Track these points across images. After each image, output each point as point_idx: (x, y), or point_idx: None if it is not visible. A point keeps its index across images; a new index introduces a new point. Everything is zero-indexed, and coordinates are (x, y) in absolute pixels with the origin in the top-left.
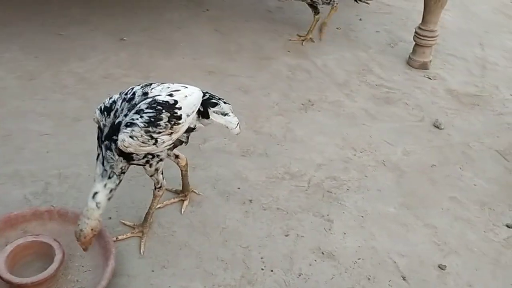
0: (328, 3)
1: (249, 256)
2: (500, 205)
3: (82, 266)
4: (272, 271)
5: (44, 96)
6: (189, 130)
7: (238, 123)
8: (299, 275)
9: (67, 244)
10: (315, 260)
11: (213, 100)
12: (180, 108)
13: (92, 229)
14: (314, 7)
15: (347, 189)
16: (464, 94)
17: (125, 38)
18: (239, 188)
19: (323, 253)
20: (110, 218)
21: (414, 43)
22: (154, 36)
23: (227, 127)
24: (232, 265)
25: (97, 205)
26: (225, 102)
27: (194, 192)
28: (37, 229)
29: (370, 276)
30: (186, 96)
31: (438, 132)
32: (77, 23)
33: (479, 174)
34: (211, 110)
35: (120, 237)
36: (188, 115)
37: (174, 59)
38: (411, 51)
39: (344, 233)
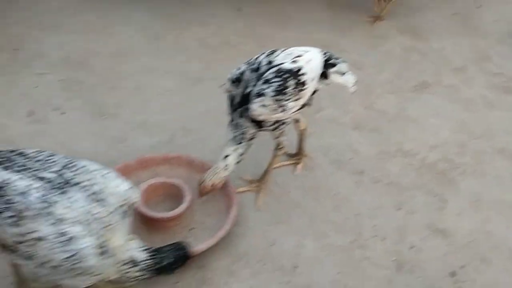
0: None
1: (361, 223)
2: None
3: (206, 210)
4: (383, 240)
5: (168, 55)
6: (313, 92)
7: (356, 81)
8: (411, 247)
9: (193, 189)
10: (428, 236)
11: (332, 61)
12: (304, 74)
13: (212, 185)
14: None
15: (462, 173)
16: None
17: (242, 9)
18: (350, 159)
19: (435, 230)
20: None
21: None
22: (269, 9)
23: (346, 86)
24: (343, 228)
25: (225, 167)
26: (343, 61)
27: (308, 156)
28: (166, 172)
29: (483, 258)
30: (309, 60)
31: None
32: None
33: None
34: (330, 71)
35: (239, 190)
36: (312, 79)
37: (288, 32)
38: None
39: (458, 214)
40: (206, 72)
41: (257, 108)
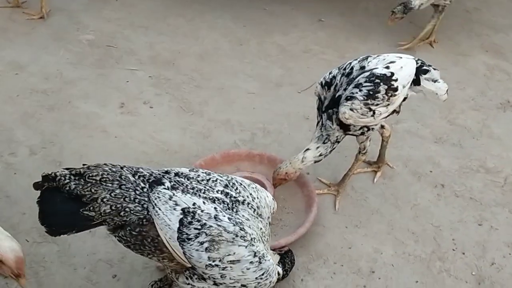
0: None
1: (440, 235)
2: None
3: (285, 208)
4: (463, 253)
5: (251, 60)
6: (403, 99)
7: (447, 89)
8: (492, 264)
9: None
10: (510, 254)
11: (424, 67)
12: (396, 80)
13: (286, 173)
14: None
15: None
16: None
17: (323, 20)
18: (431, 171)
19: None
20: (308, 173)
21: None
22: (350, 21)
23: (437, 93)
24: (423, 239)
25: (302, 159)
26: (434, 69)
27: (388, 165)
28: (248, 168)
29: None
30: (401, 67)
31: None
32: (280, 1)
33: None
34: (422, 77)
35: (317, 191)
36: (404, 86)
37: (369, 44)
38: None
39: None
40: (286, 78)
41: (346, 111)
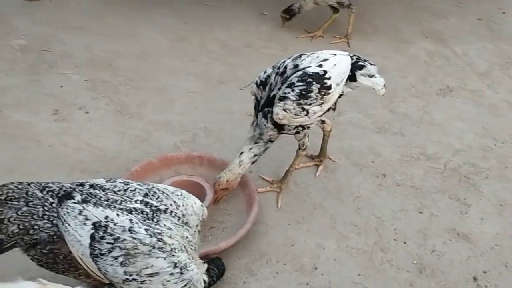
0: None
1: (382, 226)
2: None
3: (227, 210)
4: (405, 243)
5: (192, 58)
6: (338, 96)
7: (384, 84)
8: (433, 251)
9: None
10: (450, 240)
11: (360, 63)
12: (329, 78)
13: (227, 181)
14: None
15: (486, 177)
16: None
17: (265, 13)
18: (372, 162)
19: (458, 234)
20: (251, 172)
21: None
22: None
23: (374, 88)
24: (365, 231)
25: (239, 163)
26: (371, 64)
27: (330, 158)
28: (188, 171)
29: (508, 263)
30: (335, 64)
31: None
32: None
33: None
34: (358, 73)
35: (259, 190)
36: (337, 84)
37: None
38: None
39: (482, 219)
40: (228, 74)
41: (279, 111)
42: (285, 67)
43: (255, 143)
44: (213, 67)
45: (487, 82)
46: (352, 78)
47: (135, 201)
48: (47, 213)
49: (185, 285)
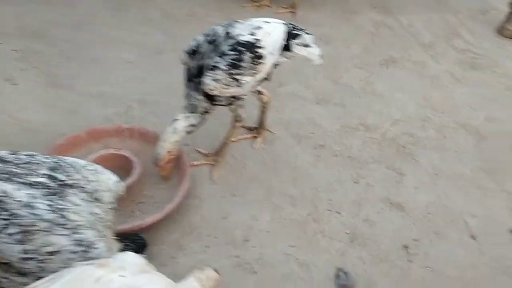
0: None
1: (317, 197)
2: None
3: (157, 184)
4: (339, 213)
5: (130, 27)
6: (272, 66)
7: (320, 54)
8: (366, 220)
9: (144, 162)
10: (383, 209)
11: (295, 32)
12: (262, 47)
13: (168, 152)
14: None
15: (423, 147)
16: None
17: None
18: (312, 133)
19: (392, 203)
20: (186, 145)
21: (507, 11)
22: None
23: (309, 58)
24: (300, 202)
25: (174, 130)
26: (307, 33)
27: (269, 130)
28: (118, 145)
29: (439, 231)
30: (268, 33)
31: None
32: None
33: None
34: (293, 43)
35: (194, 163)
36: (271, 53)
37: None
38: (503, 19)
39: (416, 188)
40: (168, 44)
41: (209, 82)
42: (216, 35)
43: (191, 112)
44: (152, 37)
45: (431, 53)
46: (286, 47)
47: (40, 175)
48: None
49: None
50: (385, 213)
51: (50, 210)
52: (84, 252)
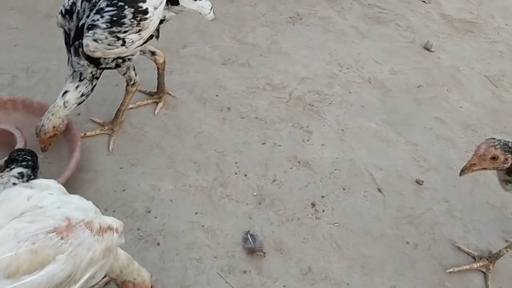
0: None
1: (223, 161)
2: (484, 128)
3: (46, 158)
4: (246, 175)
5: None
6: (160, 22)
7: (211, 8)
8: (273, 181)
9: (30, 135)
10: (291, 168)
11: None
12: (144, 1)
13: (54, 127)
14: None
15: (329, 103)
16: (458, 20)
17: None
18: (217, 96)
19: (299, 162)
20: (79, 114)
21: None
22: None
23: (200, 13)
24: (205, 167)
25: (64, 104)
26: None
27: (170, 94)
28: (1, 118)
29: (345, 186)
30: None
31: (428, 55)
32: None
33: (466, 97)
34: None
35: (88, 134)
36: (155, 8)
37: None
38: None
39: (322, 145)
40: (58, 7)
41: (89, 43)
42: None
43: (80, 80)
44: (41, 0)
45: (337, 8)
46: (173, 1)
47: None
48: None
49: None
50: (292, 172)
51: None
52: None
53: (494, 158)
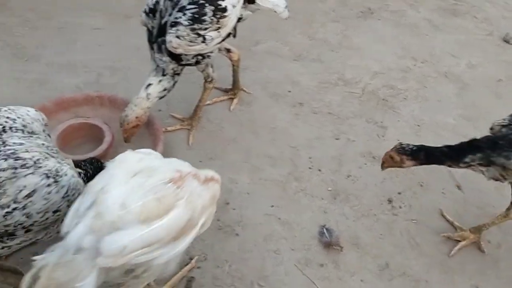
0: None
1: (297, 156)
2: None
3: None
4: (320, 170)
5: None
6: (237, 20)
7: (286, 6)
8: (348, 176)
9: (116, 130)
10: (365, 164)
11: None
12: None
13: (136, 117)
14: None
15: (404, 98)
16: None
17: None
18: (289, 91)
19: (374, 157)
20: (160, 110)
21: None
22: None
23: (275, 11)
24: (279, 162)
25: (147, 96)
26: None
27: (244, 90)
28: (88, 113)
29: (423, 182)
30: None
31: (507, 47)
32: None
33: None
34: None
35: (169, 128)
36: (234, 6)
37: None
38: None
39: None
40: (137, 8)
41: (172, 39)
42: None
43: (163, 75)
44: (120, 2)
45: (409, 1)
46: (251, 0)
47: None
48: None
49: (67, 192)
50: (367, 168)
51: (1, 159)
52: (56, 182)
53: (391, 158)
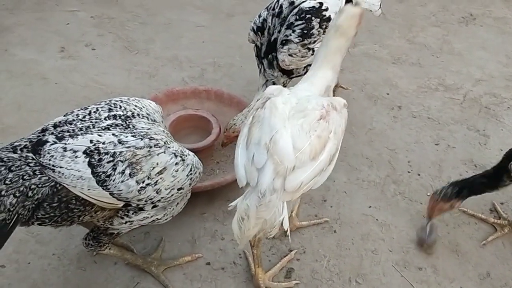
0: None
1: (396, 158)
2: None
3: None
4: (419, 175)
5: None
6: None
7: (380, 4)
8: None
9: (222, 123)
10: (467, 172)
11: None
12: (327, 9)
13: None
14: None
15: (508, 107)
16: None
17: None
18: (388, 94)
19: (475, 165)
20: None
21: None
22: None
23: (370, 10)
24: (377, 163)
25: None
26: None
27: (342, 87)
28: (195, 106)
29: None
30: None
31: None
32: None
33: None
34: None
35: None
36: (336, 13)
37: None
38: None
39: (501, 150)
40: (238, 7)
41: (285, 58)
42: (281, 7)
43: None
44: (222, 0)
45: None
46: (347, 2)
47: (104, 118)
48: (35, 168)
49: (191, 169)
50: (468, 175)
51: (138, 138)
52: (182, 161)
53: (441, 209)
